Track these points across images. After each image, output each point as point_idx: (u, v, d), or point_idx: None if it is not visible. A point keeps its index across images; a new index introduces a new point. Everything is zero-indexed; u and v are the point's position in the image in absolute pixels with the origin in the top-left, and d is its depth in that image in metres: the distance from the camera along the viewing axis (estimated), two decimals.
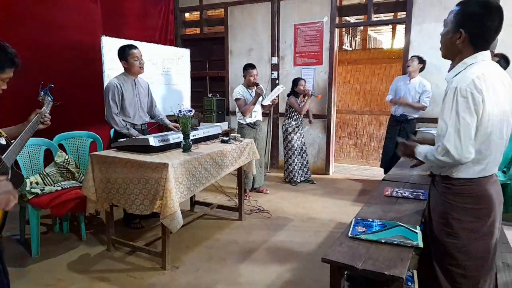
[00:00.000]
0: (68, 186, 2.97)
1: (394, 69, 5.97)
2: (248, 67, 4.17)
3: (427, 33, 4.55)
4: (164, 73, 4.85)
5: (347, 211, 3.84)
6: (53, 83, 2.01)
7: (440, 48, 1.52)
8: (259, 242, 3.09)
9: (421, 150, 1.49)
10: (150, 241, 2.95)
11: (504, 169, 3.75)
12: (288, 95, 4.76)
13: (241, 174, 3.56)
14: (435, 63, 4.50)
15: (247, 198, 4.18)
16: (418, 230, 1.46)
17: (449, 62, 1.53)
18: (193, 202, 3.90)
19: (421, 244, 1.34)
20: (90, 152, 2.87)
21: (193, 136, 3.14)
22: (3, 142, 1.56)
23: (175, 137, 2.91)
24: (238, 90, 4.17)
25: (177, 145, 2.90)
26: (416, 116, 4.41)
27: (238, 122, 4.24)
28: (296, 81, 4.71)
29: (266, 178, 4.96)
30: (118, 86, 3.11)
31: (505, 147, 1.44)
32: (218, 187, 4.53)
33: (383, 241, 1.38)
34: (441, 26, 1.51)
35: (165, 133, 3.04)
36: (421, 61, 4.34)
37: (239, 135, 3.48)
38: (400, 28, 7.12)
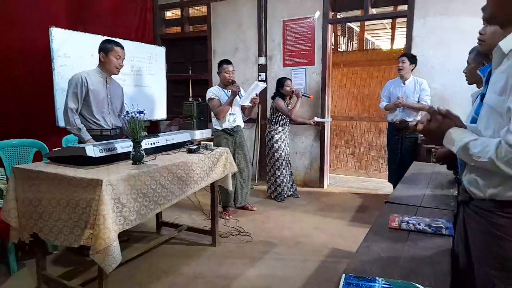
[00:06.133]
0: None
1: (393, 71, 5.41)
2: (223, 62, 3.57)
3: (431, 27, 4.01)
4: (134, 73, 4.27)
5: (343, 234, 3.23)
6: None
7: (482, 8, 1.01)
8: (232, 276, 2.47)
9: (461, 136, 0.97)
10: (90, 277, 2.31)
11: None
12: (273, 97, 4.15)
13: (214, 190, 2.97)
14: (442, 61, 3.98)
15: (227, 217, 3.58)
16: None
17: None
18: (160, 222, 3.29)
19: None
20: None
21: (151, 144, 2.57)
22: None
23: (125, 145, 2.32)
24: (211, 90, 3.58)
25: (127, 156, 2.31)
26: (418, 119, 3.82)
27: (214, 128, 3.63)
28: (281, 81, 4.08)
29: (253, 192, 4.35)
30: (84, 79, 2.69)
31: None
32: (196, 203, 3.93)
33: None
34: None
35: (112, 140, 2.45)
36: (413, 60, 3.85)
37: (211, 143, 2.89)
38: (400, 29, 6.61)
